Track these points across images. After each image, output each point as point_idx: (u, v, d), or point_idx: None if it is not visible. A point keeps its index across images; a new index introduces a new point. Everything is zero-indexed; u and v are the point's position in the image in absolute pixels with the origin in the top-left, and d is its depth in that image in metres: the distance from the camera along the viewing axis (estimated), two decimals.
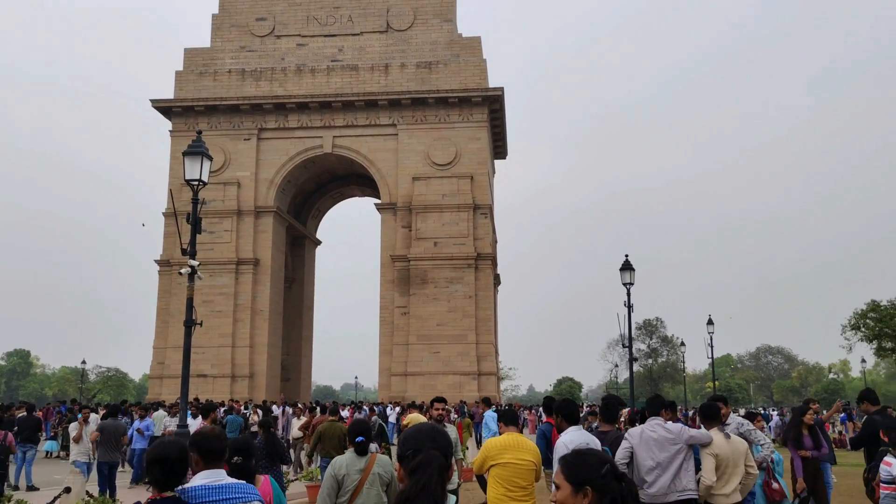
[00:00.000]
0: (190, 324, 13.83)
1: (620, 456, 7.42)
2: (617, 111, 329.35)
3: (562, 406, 7.58)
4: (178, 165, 29.48)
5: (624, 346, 33.11)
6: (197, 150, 13.88)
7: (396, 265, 51.25)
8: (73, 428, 16.83)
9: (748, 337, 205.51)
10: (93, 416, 20.60)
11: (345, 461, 6.76)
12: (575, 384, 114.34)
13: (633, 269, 27.20)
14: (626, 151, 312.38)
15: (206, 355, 49.58)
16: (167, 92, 56.28)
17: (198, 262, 13.92)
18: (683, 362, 79.90)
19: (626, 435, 7.70)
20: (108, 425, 17.14)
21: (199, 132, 16.30)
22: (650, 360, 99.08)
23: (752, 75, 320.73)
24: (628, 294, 27.11)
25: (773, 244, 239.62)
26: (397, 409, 37.48)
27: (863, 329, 47.33)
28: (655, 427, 7.54)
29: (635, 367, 31.91)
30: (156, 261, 53.06)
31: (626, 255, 27.46)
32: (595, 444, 7.02)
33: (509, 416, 7.65)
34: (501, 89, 53.17)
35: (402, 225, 51.81)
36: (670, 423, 7.64)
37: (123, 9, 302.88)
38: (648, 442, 7.42)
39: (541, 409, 16.88)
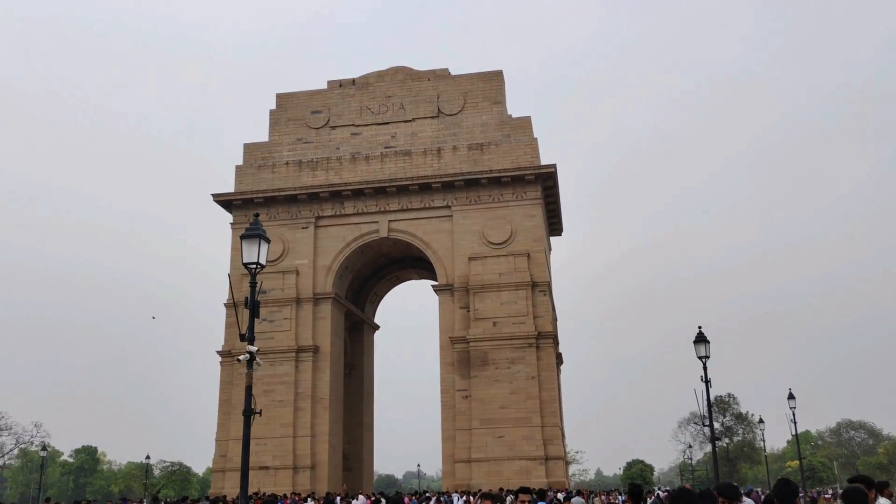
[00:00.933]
0: (249, 413, 13.26)
1: None
2: (687, 189, 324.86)
3: (677, 499, 6.37)
4: (239, 256, 29.70)
5: (704, 424, 31.12)
6: (254, 233, 13.71)
7: (456, 347, 50.31)
8: None
9: (826, 412, 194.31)
10: None
11: None
12: (646, 467, 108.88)
13: (708, 342, 25.71)
14: (693, 228, 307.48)
15: (267, 446, 48.91)
16: (227, 186, 58.06)
17: (256, 348, 13.46)
18: (763, 441, 75.31)
19: None
20: None
21: (256, 215, 16.23)
22: (725, 440, 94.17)
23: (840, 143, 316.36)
24: (704, 368, 25.54)
25: (845, 311, 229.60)
26: (463, 497, 35.85)
27: None
28: None
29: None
30: (217, 352, 53.47)
31: (700, 328, 25.99)
32: None
33: None
34: (554, 166, 53.08)
35: (460, 306, 51.18)
36: None
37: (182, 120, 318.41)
38: None
39: (622, 494, 15.47)
